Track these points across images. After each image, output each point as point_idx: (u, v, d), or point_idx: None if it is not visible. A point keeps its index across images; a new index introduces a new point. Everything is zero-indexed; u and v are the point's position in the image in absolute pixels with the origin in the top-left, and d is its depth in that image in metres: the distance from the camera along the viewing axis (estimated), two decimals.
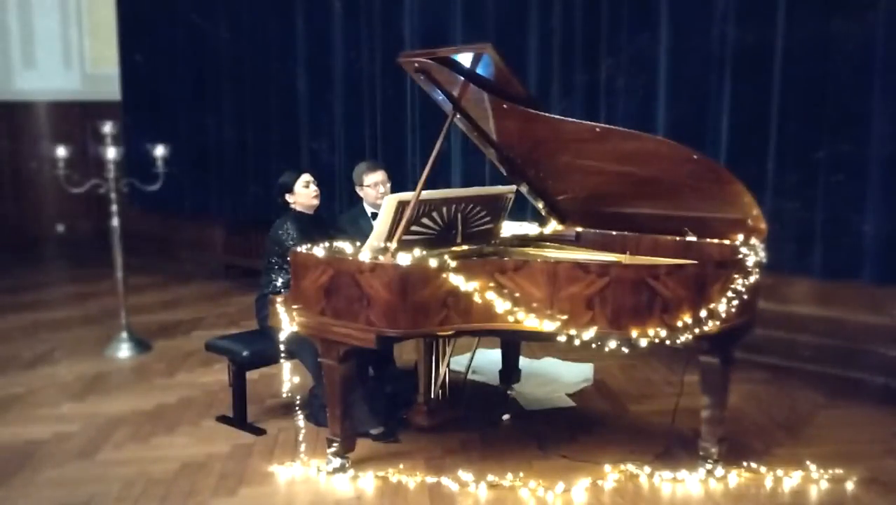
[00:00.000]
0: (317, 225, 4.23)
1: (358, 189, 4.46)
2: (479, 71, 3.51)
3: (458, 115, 3.80)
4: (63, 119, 9.61)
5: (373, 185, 4.35)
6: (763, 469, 3.65)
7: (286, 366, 3.84)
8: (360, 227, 4.27)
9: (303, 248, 3.59)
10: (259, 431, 4.15)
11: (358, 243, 3.61)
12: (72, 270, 8.82)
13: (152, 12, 8.68)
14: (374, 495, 3.49)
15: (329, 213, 5.50)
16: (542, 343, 5.28)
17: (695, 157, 3.40)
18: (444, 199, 3.70)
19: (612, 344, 3.22)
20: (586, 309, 3.19)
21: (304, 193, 4.22)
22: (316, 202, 4.26)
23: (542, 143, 3.79)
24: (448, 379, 4.28)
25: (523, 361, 4.88)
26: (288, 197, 4.24)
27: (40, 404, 4.61)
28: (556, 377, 4.94)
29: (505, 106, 3.58)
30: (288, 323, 3.65)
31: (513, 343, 4.62)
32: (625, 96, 5.47)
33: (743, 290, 3.33)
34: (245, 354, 4.13)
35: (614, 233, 4.13)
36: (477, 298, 3.28)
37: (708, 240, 3.77)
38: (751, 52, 4.97)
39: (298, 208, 4.23)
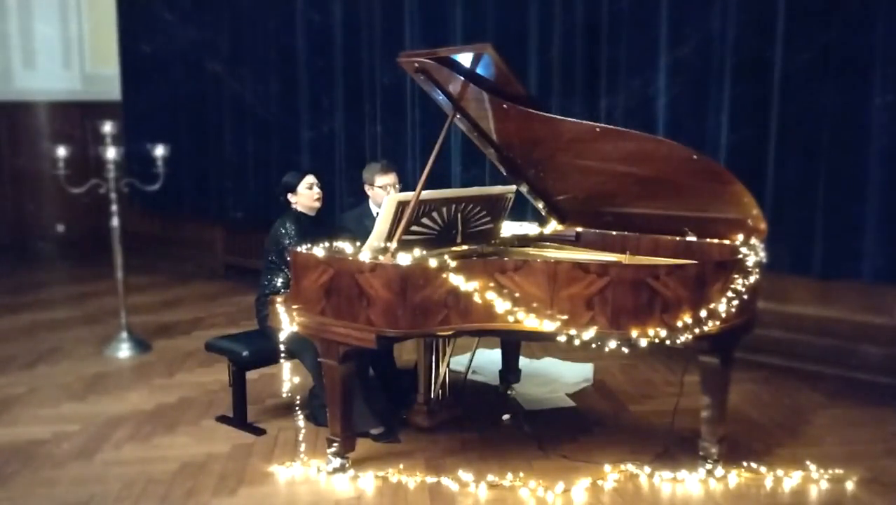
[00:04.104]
0: (317, 226, 4.23)
1: (367, 188, 4.43)
2: (479, 71, 3.51)
3: (458, 115, 3.80)
4: (63, 119, 9.61)
5: (383, 187, 4.33)
6: (763, 469, 3.65)
7: (286, 366, 3.84)
8: (364, 227, 4.25)
9: (303, 248, 3.59)
10: (259, 431, 4.15)
11: (358, 243, 3.61)
12: (72, 270, 8.81)
13: (152, 12, 8.68)
14: (374, 495, 3.49)
15: (329, 213, 5.50)
16: (542, 343, 5.29)
17: (695, 157, 3.40)
18: (444, 199, 3.70)
19: (612, 344, 3.22)
20: (586, 309, 3.19)
21: (306, 195, 4.22)
22: (318, 205, 4.26)
23: (542, 143, 3.79)
24: (448, 379, 4.28)
25: (523, 361, 4.88)
26: (290, 197, 4.24)
27: (40, 404, 4.61)
28: (556, 377, 4.94)
29: (505, 106, 3.58)
30: (288, 323, 3.65)
31: (513, 343, 4.62)
32: (625, 96, 5.47)
33: (743, 290, 3.33)
34: (245, 354, 4.13)
35: (614, 233, 4.13)
36: (477, 298, 3.28)
37: (708, 240, 3.77)
38: (751, 52, 4.97)
39: (299, 209, 4.23)
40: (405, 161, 6.50)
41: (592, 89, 5.62)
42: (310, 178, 4.25)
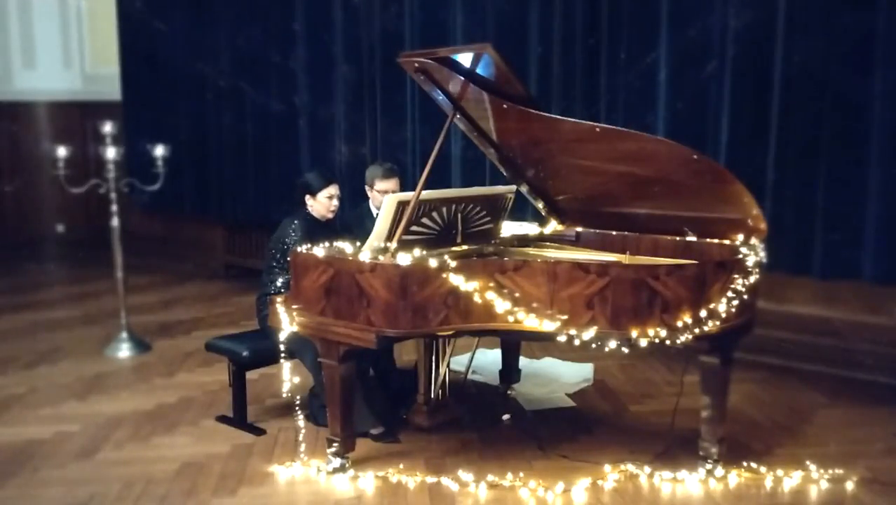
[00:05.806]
0: (325, 230, 4.19)
1: (368, 189, 4.45)
2: (479, 71, 3.51)
3: (458, 115, 3.80)
4: (63, 119, 9.60)
5: (382, 192, 4.33)
6: (763, 469, 3.65)
7: (286, 366, 3.84)
8: (365, 228, 4.25)
9: (303, 248, 3.59)
10: (259, 431, 4.15)
11: (358, 243, 3.61)
12: (72, 270, 8.81)
13: (152, 12, 8.68)
14: (374, 495, 3.49)
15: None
16: (542, 343, 5.29)
17: (695, 157, 3.40)
18: (444, 199, 3.70)
19: (612, 344, 3.22)
20: (586, 309, 3.19)
21: (324, 203, 4.19)
22: (331, 216, 4.23)
23: (542, 143, 3.79)
24: (448, 379, 4.28)
25: (523, 361, 4.88)
26: (307, 198, 4.21)
27: (40, 404, 4.60)
28: (556, 377, 4.94)
29: (505, 106, 3.58)
30: (288, 323, 3.65)
31: (513, 343, 4.62)
32: (625, 96, 5.47)
33: (743, 290, 3.33)
34: (245, 354, 4.13)
35: (614, 233, 4.13)
36: (477, 298, 3.28)
37: (708, 240, 3.77)
38: (751, 52, 4.97)
39: (312, 212, 4.21)
40: (405, 162, 6.49)
41: (593, 88, 5.62)
42: (332, 189, 4.20)
